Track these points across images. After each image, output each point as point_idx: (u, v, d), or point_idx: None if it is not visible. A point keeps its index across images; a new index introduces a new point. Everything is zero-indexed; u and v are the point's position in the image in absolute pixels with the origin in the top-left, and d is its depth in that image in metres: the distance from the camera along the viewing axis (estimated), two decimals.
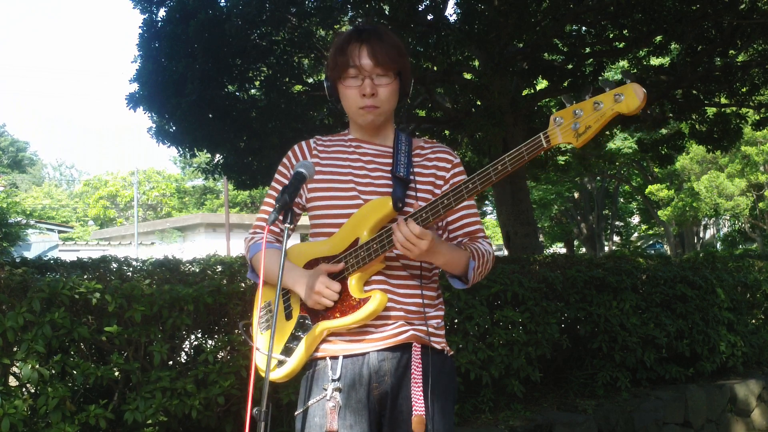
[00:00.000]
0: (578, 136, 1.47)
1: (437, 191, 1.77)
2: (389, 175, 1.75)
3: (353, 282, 1.65)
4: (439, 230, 1.81)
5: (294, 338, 1.71)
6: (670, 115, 8.90)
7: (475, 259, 1.71)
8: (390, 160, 1.77)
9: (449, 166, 1.81)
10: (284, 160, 1.84)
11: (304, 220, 1.80)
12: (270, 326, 1.74)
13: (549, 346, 4.05)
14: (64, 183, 57.56)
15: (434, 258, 1.63)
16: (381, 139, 1.81)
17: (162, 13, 7.42)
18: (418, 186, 1.75)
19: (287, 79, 7.66)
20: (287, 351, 1.70)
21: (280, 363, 1.70)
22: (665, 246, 30.75)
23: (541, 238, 28.55)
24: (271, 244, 1.79)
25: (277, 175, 1.84)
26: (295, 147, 1.85)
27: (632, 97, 1.41)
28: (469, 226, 1.81)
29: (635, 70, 9.47)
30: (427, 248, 1.56)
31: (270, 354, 1.50)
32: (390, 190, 1.72)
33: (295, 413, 1.70)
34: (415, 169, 1.77)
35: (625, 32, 7.91)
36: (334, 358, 1.67)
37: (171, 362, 3.11)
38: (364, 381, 1.65)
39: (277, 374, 1.69)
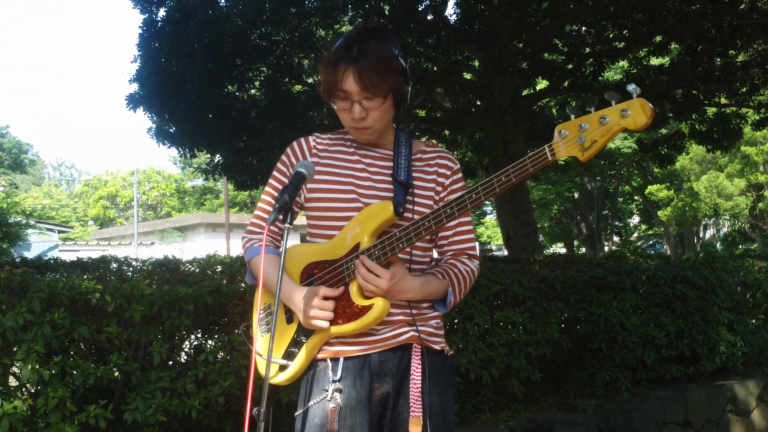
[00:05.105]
0: (584, 151, 1.45)
1: (437, 197, 1.77)
2: (391, 179, 1.73)
3: (355, 288, 1.65)
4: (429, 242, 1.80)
5: (296, 343, 1.70)
6: (670, 115, 8.90)
7: (453, 288, 1.72)
8: (391, 164, 1.76)
9: (449, 172, 1.80)
10: (283, 157, 1.81)
11: (302, 220, 1.79)
12: (270, 329, 1.74)
13: (549, 346, 4.05)
14: (64, 183, 57.61)
15: (404, 297, 1.64)
16: (382, 140, 1.80)
17: (162, 13, 7.43)
18: (420, 192, 1.74)
19: (287, 79, 7.65)
20: (289, 355, 1.70)
21: (283, 367, 1.69)
22: (665, 246, 30.74)
23: (541, 238, 28.53)
24: (269, 248, 1.78)
25: (275, 172, 1.81)
26: (294, 144, 1.81)
27: (639, 113, 1.39)
28: (460, 243, 1.81)
29: (635, 70, 9.47)
30: (387, 288, 1.58)
31: (270, 357, 1.50)
32: (391, 194, 1.71)
33: (296, 414, 1.69)
34: (417, 174, 1.76)
35: (625, 32, 7.91)
36: (335, 359, 1.67)
37: (171, 362, 3.11)
38: (366, 382, 1.65)
39: (280, 378, 1.69)
